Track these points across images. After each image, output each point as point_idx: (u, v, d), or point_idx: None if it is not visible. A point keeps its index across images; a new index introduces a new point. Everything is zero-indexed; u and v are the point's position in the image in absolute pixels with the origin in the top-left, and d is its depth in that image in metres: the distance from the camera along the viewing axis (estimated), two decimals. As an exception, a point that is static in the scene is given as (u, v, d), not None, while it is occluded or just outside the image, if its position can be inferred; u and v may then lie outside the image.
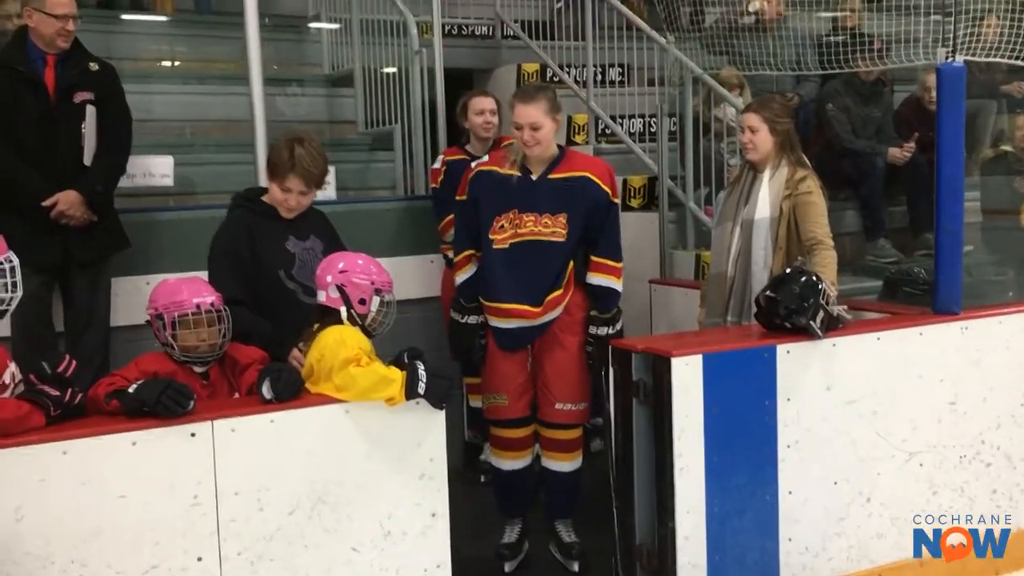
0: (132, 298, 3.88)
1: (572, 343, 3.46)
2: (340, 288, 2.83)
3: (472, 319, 3.50)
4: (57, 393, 2.37)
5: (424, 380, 2.62)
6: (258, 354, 2.89)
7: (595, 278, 3.42)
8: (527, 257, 3.35)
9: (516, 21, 6.47)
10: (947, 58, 3.45)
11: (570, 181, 3.37)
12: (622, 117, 5.80)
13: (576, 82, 5.98)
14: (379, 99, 5.51)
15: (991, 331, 3.49)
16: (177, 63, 6.18)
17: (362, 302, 2.84)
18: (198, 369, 2.81)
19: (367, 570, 2.68)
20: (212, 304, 2.77)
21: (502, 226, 3.37)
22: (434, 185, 4.43)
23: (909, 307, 3.67)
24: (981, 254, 4.78)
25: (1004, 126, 5.45)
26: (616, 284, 3.43)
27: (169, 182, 4.46)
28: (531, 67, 6.21)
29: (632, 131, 5.78)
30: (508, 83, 6.21)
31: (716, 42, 4.98)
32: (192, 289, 2.79)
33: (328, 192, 4.36)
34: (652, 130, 5.63)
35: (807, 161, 3.57)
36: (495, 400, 3.52)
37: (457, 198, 3.56)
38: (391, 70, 5.41)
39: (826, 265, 3.34)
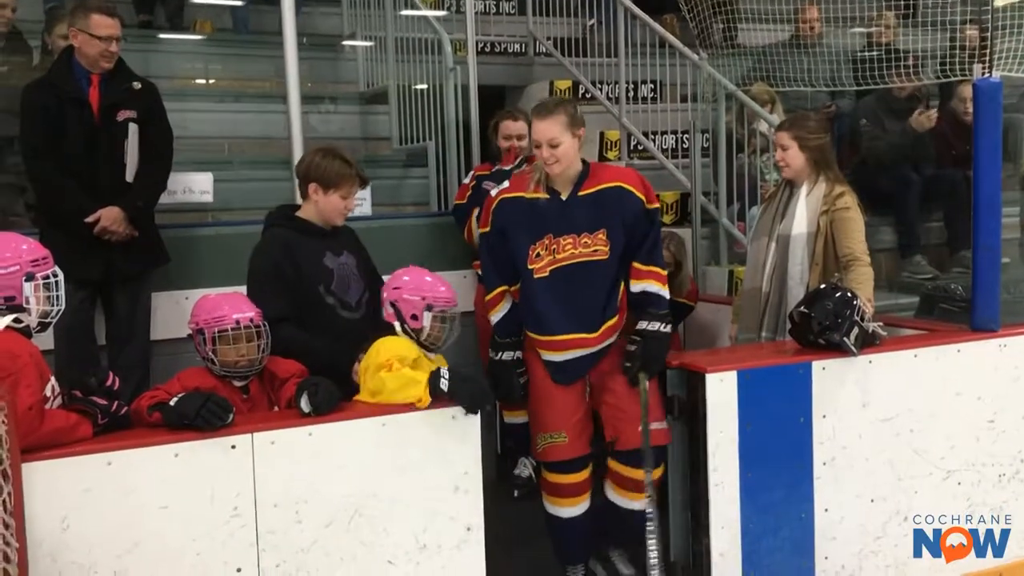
0: (172, 312, 3.93)
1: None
2: (394, 304, 2.98)
3: (508, 355, 3.24)
4: (105, 402, 2.43)
5: (446, 378, 2.66)
6: (296, 367, 2.93)
7: (639, 284, 3.18)
8: (572, 281, 3.13)
9: (549, 39, 6.49)
10: (983, 73, 3.43)
11: (603, 194, 3.17)
12: (654, 133, 5.81)
13: (608, 99, 6.00)
14: (413, 116, 5.55)
15: (1030, 348, 3.45)
16: (214, 81, 6.27)
17: (414, 317, 2.96)
18: (238, 383, 2.85)
19: (403, 583, 2.70)
20: (252, 319, 2.82)
21: (538, 254, 3.14)
22: (459, 200, 4.44)
23: (946, 324, 3.64)
24: (1020, 270, 4.73)
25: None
26: (662, 290, 3.19)
27: (209, 198, 4.53)
28: (564, 84, 6.23)
29: (664, 147, 5.78)
30: (541, 99, 6.23)
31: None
32: (233, 305, 2.85)
33: (364, 208, 4.41)
34: (684, 146, 5.62)
35: (844, 177, 3.56)
36: (553, 440, 3.19)
37: (480, 231, 3.38)
38: (425, 87, 5.46)
39: (862, 282, 3.32)
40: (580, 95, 6.16)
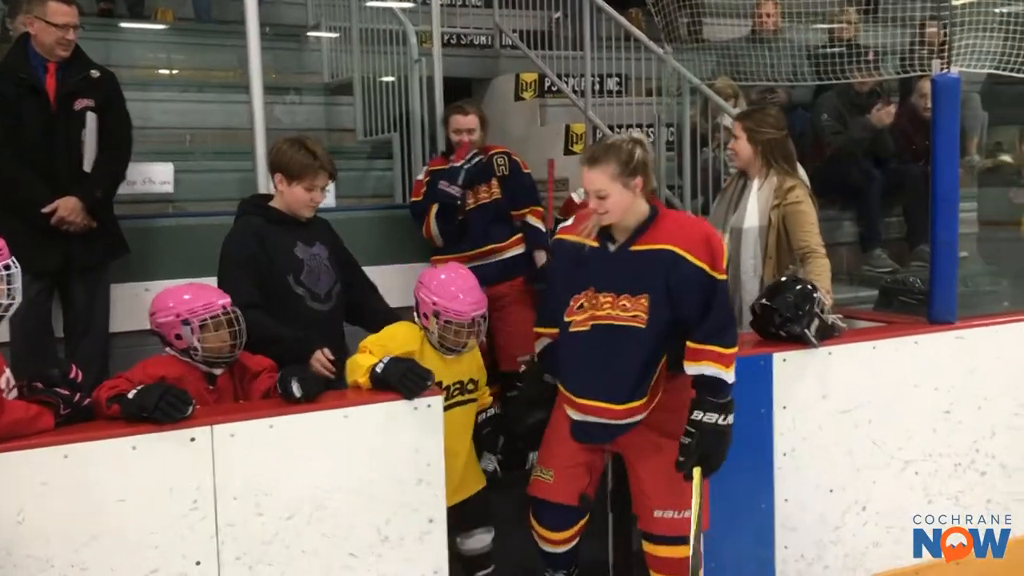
0: (131, 304, 3.89)
1: (670, 444, 2.78)
2: (416, 295, 3.05)
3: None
4: (67, 393, 2.41)
5: (384, 363, 2.71)
6: (268, 362, 2.94)
7: (694, 367, 2.71)
8: (604, 344, 2.78)
9: (515, 31, 6.49)
10: (942, 69, 3.48)
11: (652, 255, 2.73)
12: (620, 127, 5.80)
13: (574, 91, 6.01)
14: (378, 107, 5.53)
15: (986, 340, 3.52)
16: (176, 71, 6.20)
17: (425, 316, 2.99)
18: (217, 372, 2.84)
19: (364, 575, 2.69)
20: (231, 306, 2.84)
21: (581, 306, 2.81)
22: (415, 198, 4.39)
23: (904, 316, 3.70)
24: (976, 264, 4.82)
25: (1004, 138, 5.49)
26: (723, 373, 2.69)
27: (169, 189, 4.49)
28: (529, 76, 6.23)
29: (630, 141, 5.79)
30: (506, 92, 6.24)
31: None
32: (213, 292, 2.86)
33: (328, 200, 4.38)
34: (650, 140, 5.64)
35: (798, 170, 3.60)
36: (541, 474, 2.98)
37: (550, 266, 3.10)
38: (390, 79, 5.43)
39: (820, 274, 3.37)
40: (546, 88, 6.17)
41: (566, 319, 2.83)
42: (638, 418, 2.80)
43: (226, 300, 2.84)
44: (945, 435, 3.44)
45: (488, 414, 3.33)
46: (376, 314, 3.38)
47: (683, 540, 2.77)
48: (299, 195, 3.24)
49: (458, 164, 4.29)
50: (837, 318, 3.27)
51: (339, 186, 4.75)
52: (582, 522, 3.02)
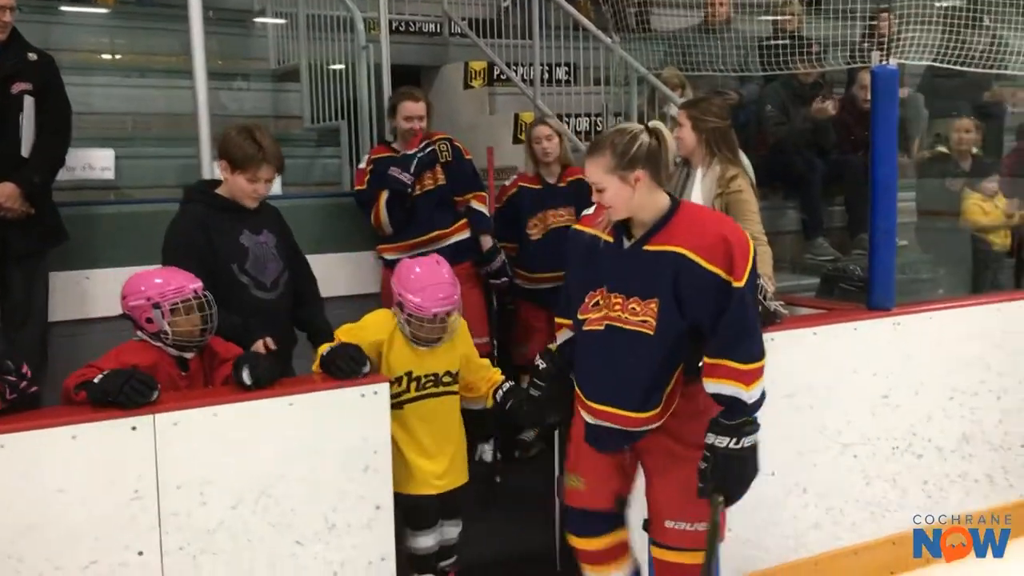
0: (71, 293, 3.82)
1: (687, 452, 2.55)
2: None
3: (542, 364, 2.79)
4: (14, 378, 2.39)
5: (332, 347, 2.79)
6: (237, 349, 2.92)
7: (711, 385, 2.46)
8: (616, 347, 2.54)
9: (464, 19, 6.47)
10: (881, 61, 3.54)
11: (660, 257, 2.46)
12: (569, 116, 5.85)
13: (523, 80, 6.02)
14: (325, 95, 5.49)
15: (922, 327, 3.60)
16: (118, 56, 6.07)
17: (399, 306, 2.95)
18: (188, 355, 2.82)
19: (311, 563, 2.68)
20: (203, 291, 2.82)
21: (596, 303, 2.57)
22: (359, 187, 4.33)
23: (845, 304, 3.77)
24: (914, 252, 4.93)
25: (942, 129, 5.62)
26: (741, 391, 2.42)
27: (110, 175, 4.40)
28: (478, 65, 6.22)
29: (579, 130, 5.83)
30: (456, 80, 6.23)
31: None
32: (185, 276, 2.83)
33: (274, 187, 4.33)
34: (598, 129, 5.68)
35: (742, 160, 3.65)
36: (573, 483, 2.74)
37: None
38: (338, 67, 5.39)
39: (762, 261, 3.41)
40: (495, 76, 6.17)
41: (580, 316, 2.60)
42: (653, 426, 2.57)
43: (197, 284, 2.82)
44: (883, 419, 3.52)
45: (504, 389, 3.15)
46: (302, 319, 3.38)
47: (694, 548, 2.61)
48: (241, 185, 3.19)
49: (411, 152, 4.26)
50: (779, 305, 3.32)
51: (285, 173, 4.71)
52: (623, 534, 2.77)
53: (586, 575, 2.81)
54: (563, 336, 2.77)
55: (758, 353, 2.44)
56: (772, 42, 4.94)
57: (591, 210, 2.67)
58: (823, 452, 3.42)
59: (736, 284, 2.39)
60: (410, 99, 4.31)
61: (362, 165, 4.40)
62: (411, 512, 3.06)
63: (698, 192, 3.56)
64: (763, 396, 2.45)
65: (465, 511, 3.20)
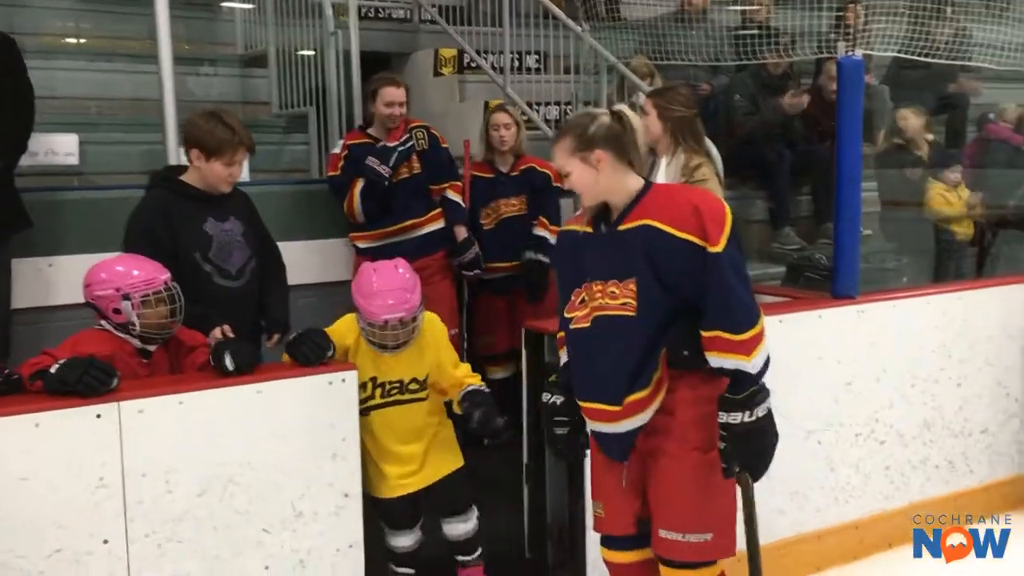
0: (33, 280, 3.77)
1: (681, 452, 2.46)
2: None
3: (546, 396, 2.67)
4: None
5: (289, 340, 2.83)
6: (203, 338, 2.90)
7: (712, 359, 2.38)
8: (600, 339, 2.47)
9: (433, 5, 6.44)
10: (847, 51, 3.58)
11: (632, 233, 2.41)
12: (539, 104, 5.85)
13: (494, 68, 6.01)
14: (294, 81, 5.45)
15: (885, 315, 3.65)
16: (83, 40, 5.99)
17: (358, 311, 2.94)
18: (151, 347, 2.79)
19: (278, 551, 2.68)
20: (171, 282, 2.79)
21: (582, 300, 2.50)
22: (333, 172, 4.29)
23: (810, 292, 3.81)
24: (878, 241, 4.99)
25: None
26: (743, 363, 2.34)
27: (74, 160, 4.35)
28: (448, 52, 6.20)
29: (548, 118, 5.83)
30: (425, 67, 6.21)
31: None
32: (154, 267, 2.80)
33: (242, 174, 4.31)
34: (568, 117, 5.68)
35: (709, 149, 3.67)
36: (596, 510, 2.67)
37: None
38: (307, 52, 5.35)
39: (729, 249, 3.44)
40: (465, 64, 6.15)
41: (566, 315, 2.54)
42: (643, 415, 2.46)
43: (167, 275, 2.79)
44: (846, 406, 3.57)
45: (467, 402, 3.05)
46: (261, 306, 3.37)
47: (687, 565, 2.48)
48: (218, 171, 3.16)
49: (391, 145, 4.23)
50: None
51: (253, 160, 4.68)
52: (644, 553, 2.64)
53: None
54: (564, 356, 2.65)
55: (752, 320, 2.36)
56: (741, 32, 4.96)
57: (579, 212, 2.64)
58: (787, 439, 3.34)
59: (712, 249, 2.32)
60: (391, 84, 4.29)
61: (336, 150, 4.37)
62: (385, 514, 3.08)
63: (662, 180, 3.57)
64: (768, 362, 2.38)
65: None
